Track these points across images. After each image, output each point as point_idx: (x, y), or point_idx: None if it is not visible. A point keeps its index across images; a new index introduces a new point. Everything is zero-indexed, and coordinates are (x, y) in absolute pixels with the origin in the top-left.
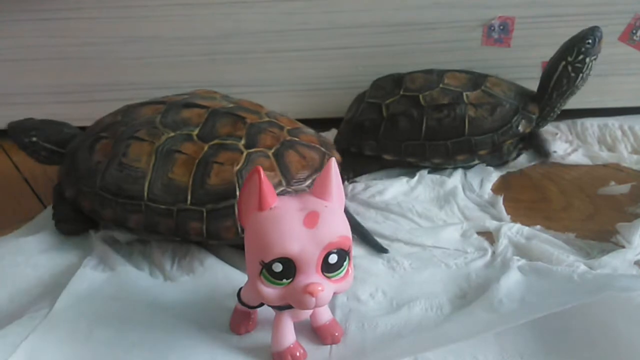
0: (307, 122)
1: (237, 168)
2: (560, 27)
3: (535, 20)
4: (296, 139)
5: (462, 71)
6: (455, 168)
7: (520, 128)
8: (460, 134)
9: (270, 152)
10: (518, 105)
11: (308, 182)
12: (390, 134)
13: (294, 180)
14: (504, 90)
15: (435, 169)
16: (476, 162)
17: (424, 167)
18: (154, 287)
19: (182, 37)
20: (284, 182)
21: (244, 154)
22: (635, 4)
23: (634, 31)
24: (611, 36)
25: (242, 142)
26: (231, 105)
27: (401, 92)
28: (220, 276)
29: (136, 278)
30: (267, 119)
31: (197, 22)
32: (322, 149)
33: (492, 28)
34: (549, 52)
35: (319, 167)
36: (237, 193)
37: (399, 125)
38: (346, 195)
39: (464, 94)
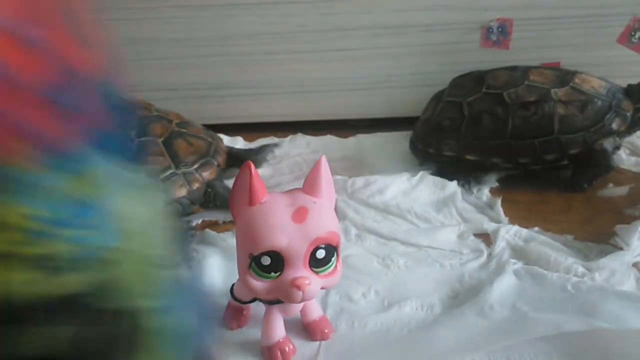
0: (304, 124)
1: None
2: (559, 29)
3: (533, 22)
4: (184, 130)
5: (547, 68)
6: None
7: (615, 126)
8: (548, 133)
9: (159, 140)
10: (611, 102)
11: (196, 165)
12: (472, 133)
13: (182, 164)
14: (594, 87)
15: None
16: (565, 162)
17: (509, 169)
18: None
19: (181, 39)
20: (172, 166)
21: (135, 141)
22: (633, 6)
23: (633, 33)
24: (609, 38)
25: (133, 132)
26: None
27: (483, 90)
28: (215, 274)
29: None
30: (156, 113)
31: (196, 25)
32: (209, 138)
33: (491, 30)
34: (548, 54)
35: (206, 153)
36: None
37: (482, 123)
38: (346, 191)
39: (552, 90)
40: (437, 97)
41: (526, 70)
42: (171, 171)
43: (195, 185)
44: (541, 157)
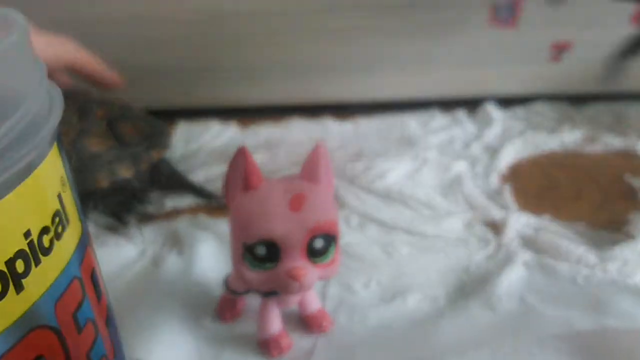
0: (302, 107)
1: (71, 137)
2: (570, 7)
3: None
4: (127, 113)
5: None
6: None
7: None
8: None
9: (103, 123)
10: None
11: (142, 146)
12: None
13: (128, 145)
14: None
15: None
16: None
17: None
18: (140, 270)
19: (169, 18)
20: (118, 147)
21: (78, 125)
22: None
23: None
24: (624, 17)
25: (75, 116)
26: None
27: None
28: (208, 264)
29: (122, 258)
30: (96, 98)
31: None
32: (152, 121)
33: (499, 8)
34: (558, 33)
35: (151, 133)
36: (73, 159)
37: None
38: (345, 176)
39: None
40: None
41: None
42: (117, 151)
43: (142, 165)
44: None
